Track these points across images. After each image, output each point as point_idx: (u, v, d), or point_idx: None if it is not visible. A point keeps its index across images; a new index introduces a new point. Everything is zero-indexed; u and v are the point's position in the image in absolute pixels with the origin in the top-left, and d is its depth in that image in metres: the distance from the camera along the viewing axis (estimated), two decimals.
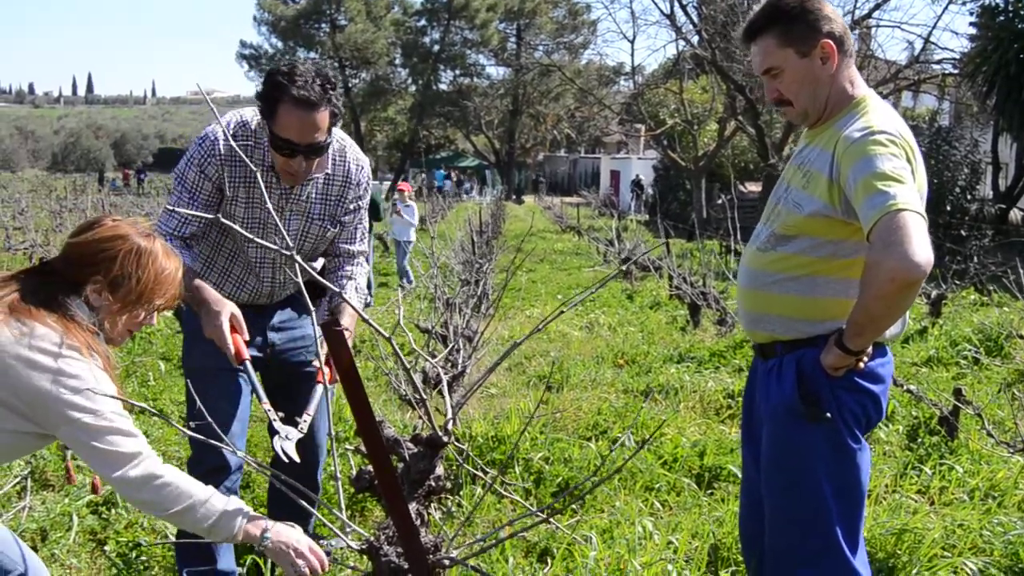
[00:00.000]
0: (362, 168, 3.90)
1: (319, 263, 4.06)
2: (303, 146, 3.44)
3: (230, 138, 3.35)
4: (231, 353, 3.30)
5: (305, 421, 3.21)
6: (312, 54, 67.72)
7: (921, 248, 2.46)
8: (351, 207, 3.92)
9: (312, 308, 2.60)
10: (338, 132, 3.78)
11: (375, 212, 13.18)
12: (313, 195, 3.78)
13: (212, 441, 2.47)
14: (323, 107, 3.41)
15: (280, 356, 3.96)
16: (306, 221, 3.80)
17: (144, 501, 2.57)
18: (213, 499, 2.58)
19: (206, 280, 3.66)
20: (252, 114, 3.65)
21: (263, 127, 3.56)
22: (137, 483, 2.52)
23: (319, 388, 3.38)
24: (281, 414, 3.14)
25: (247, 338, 3.40)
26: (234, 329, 3.36)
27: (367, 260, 4.16)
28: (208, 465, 3.66)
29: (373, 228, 13.77)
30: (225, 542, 2.68)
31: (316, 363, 3.50)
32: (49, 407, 2.47)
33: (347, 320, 3.67)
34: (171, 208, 3.57)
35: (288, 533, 2.62)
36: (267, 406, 3.18)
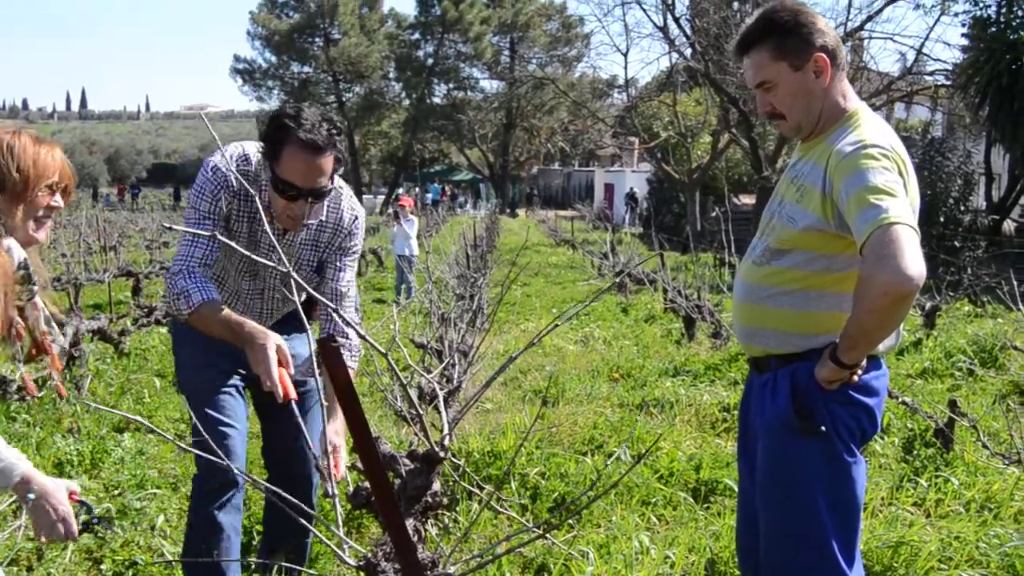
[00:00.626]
0: (356, 218, 3.88)
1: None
2: (306, 190, 3.42)
3: (235, 173, 3.39)
4: (279, 393, 3.12)
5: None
6: (306, 68, 67.88)
7: (914, 261, 2.46)
8: (340, 252, 3.89)
9: (308, 326, 2.59)
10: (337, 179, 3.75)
11: None
12: (305, 239, 3.78)
13: (214, 459, 2.46)
14: (328, 151, 3.39)
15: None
16: (295, 263, 3.79)
17: None
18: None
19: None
20: (255, 150, 3.62)
21: (263, 167, 3.54)
22: None
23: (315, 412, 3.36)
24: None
25: (292, 372, 3.27)
26: (280, 363, 3.22)
27: (356, 308, 4.12)
28: (216, 481, 3.66)
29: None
30: (3, 489, 2.68)
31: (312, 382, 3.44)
32: None
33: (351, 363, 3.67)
34: (192, 236, 3.52)
35: (54, 496, 2.64)
36: (317, 451, 3.17)
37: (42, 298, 2.93)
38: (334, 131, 3.41)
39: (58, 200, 2.85)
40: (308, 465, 4.08)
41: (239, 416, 3.77)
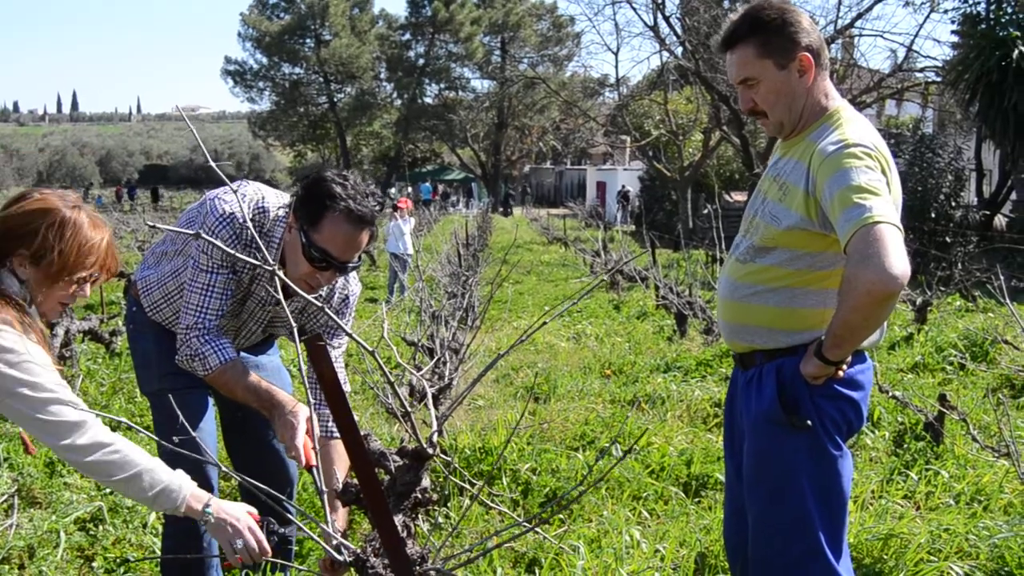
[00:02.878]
0: (346, 298, 3.73)
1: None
2: (339, 261, 3.28)
3: (249, 223, 3.34)
4: (301, 460, 3.14)
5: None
6: (297, 69, 67.85)
7: (898, 260, 2.48)
8: (325, 330, 3.71)
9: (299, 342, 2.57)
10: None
11: None
12: (293, 306, 3.68)
13: (196, 455, 2.45)
14: (372, 226, 3.29)
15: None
16: (278, 319, 3.76)
17: (91, 467, 2.57)
18: (159, 469, 2.58)
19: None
20: (273, 201, 3.47)
21: (277, 223, 3.42)
22: (85, 450, 2.52)
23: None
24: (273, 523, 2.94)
25: (314, 444, 3.07)
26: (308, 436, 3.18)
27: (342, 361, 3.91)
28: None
29: None
30: (169, 512, 2.67)
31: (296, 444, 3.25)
32: None
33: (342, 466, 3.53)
34: (207, 286, 3.38)
35: (232, 510, 2.63)
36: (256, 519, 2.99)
37: None
38: (376, 206, 3.28)
39: (86, 292, 2.81)
40: (286, 470, 4.01)
41: (210, 422, 3.72)
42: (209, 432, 3.68)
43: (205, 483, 3.63)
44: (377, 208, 3.28)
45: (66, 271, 2.69)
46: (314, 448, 2.98)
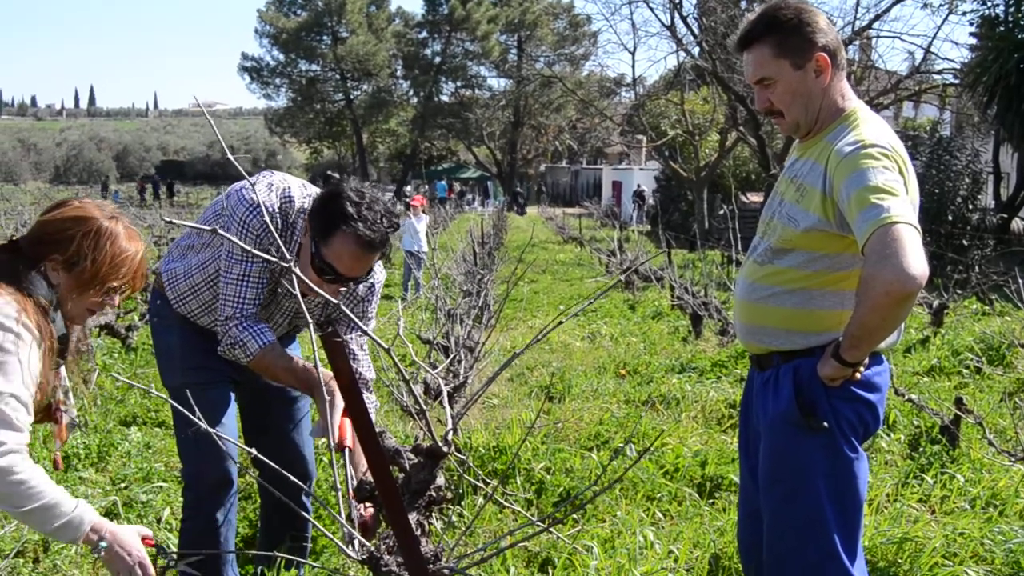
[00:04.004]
0: (372, 285, 3.76)
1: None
2: (346, 278, 3.33)
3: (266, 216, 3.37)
4: (334, 439, 3.11)
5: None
6: (314, 66, 67.95)
7: (916, 260, 2.47)
8: (362, 300, 3.79)
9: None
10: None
11: None
12: (318, 298, 3.67)
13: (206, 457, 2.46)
14: (382, 248, 3.30)
15: (260, 379, 3.77)
16: (300, 316, 3.76)
17: None
18: (63, 503, 2.55)
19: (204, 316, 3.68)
20: (300, 192, 3.50)
21: (301, 213, 3.44)
22: None
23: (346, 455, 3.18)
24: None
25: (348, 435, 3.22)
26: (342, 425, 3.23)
27: (369, 368, 3.94)
28: (212, 478, 3.63)
29: None
30: (69, 543, 2.67)
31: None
32: None
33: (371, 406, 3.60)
34: (243, 276, 3.44)
35: (125, 541, 2.63)
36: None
37: (68, 368, 2.90)
38: (390, 228, 3.27)
39: (114, 301, 2.82)
40: (305, 465, 4.05)
41: (231, 417, 3.75)
42: (230, 427, 3.69)
43: (224, 477, 3.65)
44: (391, 230, 3.27)
45: (98, 279, 2.71)
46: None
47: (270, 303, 3.68)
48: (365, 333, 2.25)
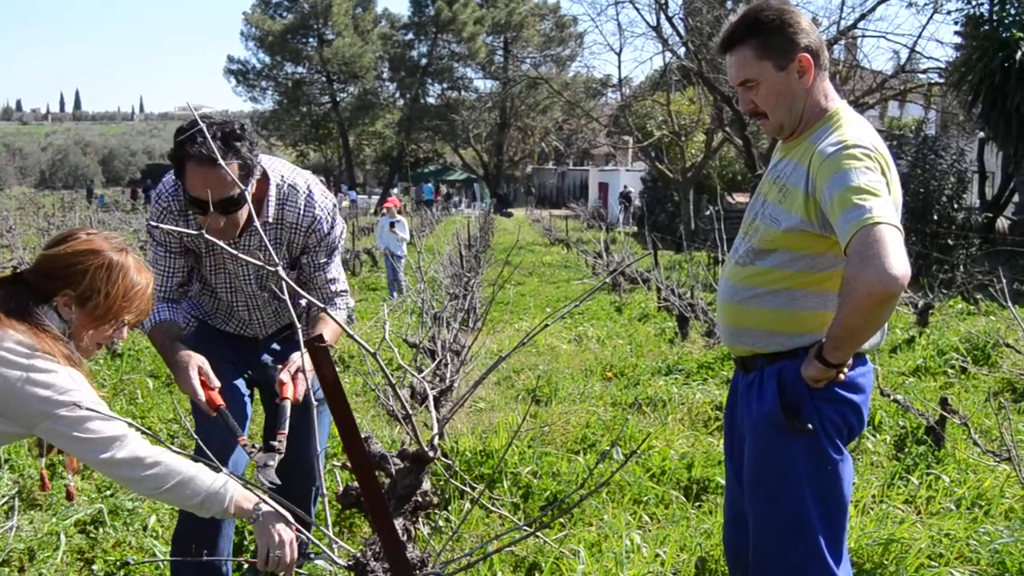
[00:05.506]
0: (315, 218, 3.82)
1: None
2: (216, 203, 3.37)
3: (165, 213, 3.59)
4: (204, 404, 3.34)
5: (281, 441, 3.27)
6: (300, 68, 67.89)
7: (898, 261, 2.47)
8: (312, 249, 3.88)
9: (298, 326, 2.61)
10: (288, 175, 3.78)
11: None
12: (262, 241, 3.71)
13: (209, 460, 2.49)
14: (227, 161, 3.35)
15: (273, 377, 3.86)
16: (258, 268, 3.81)
17: (132, 481, 2.59)
18: (202, 475, 2.60)
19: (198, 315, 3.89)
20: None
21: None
22: (124, 463, 2.54)
23: (287, 404, 3.42)
24: (257, 445, 3.24)
25: (218, 385, 3.42)
26: (204, 384, 3.39)
27: (347, 302, 4.07)
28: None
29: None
30: (218, 516, 2.69)
31: (281, 378, 3.51)
32: (25, 405, 2.49)
33: (329, 334, 3.60)
34: (151, 264, 3.60)
35: (278, 518, 2.64)
36: (243, 441, 3.27)
37: None
38: (232, 139, 3.39)
39: (123, 334, 2.85)
40: (310, 480, 4.08)
41: (238, 403, 3.80)
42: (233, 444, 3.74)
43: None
44: (233, 140, 3.40)
45: (111, 314, 2.73)
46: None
47: (232, 283, 3.91)
48: (351, 336, 2.23)
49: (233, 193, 3.41)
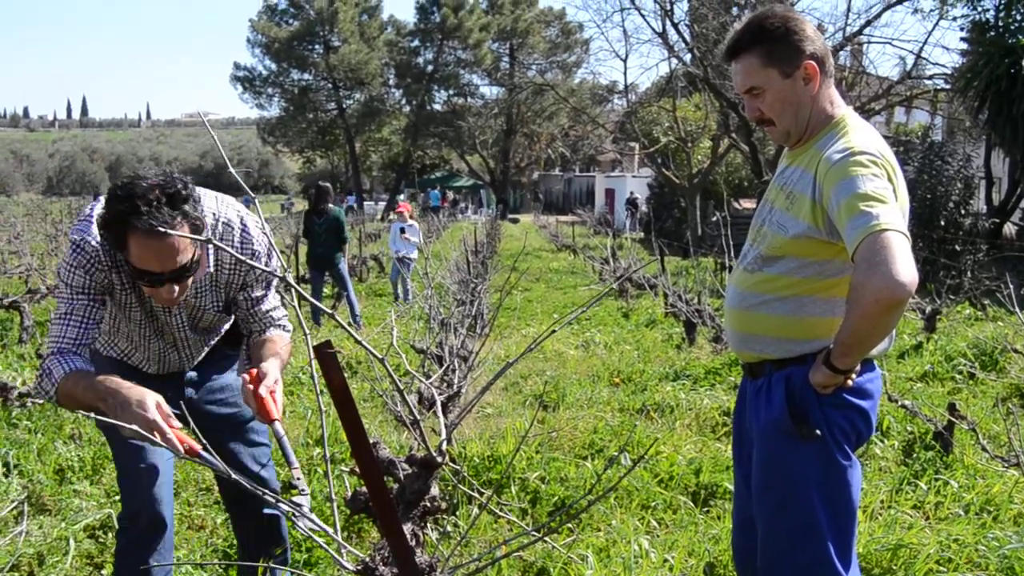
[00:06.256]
0: (254, 254, 3.47)
1: (223, 329, 3.84)
2: (167, 274, 3.07)
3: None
4: (179, 451, 2.73)
5: (299, 479, 2.88)
6: (306, 75, 67.99)
7: (905, 268, 2.47)
8: (249, 285, 3.56)
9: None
10: (220, 211, 3.42)
11: (340, 232, 13.05)
12: (202, 286, 3.48)
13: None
14: (178, 228, 3.00)
15: (200, 409, 3.68)
16: (198, 311, 3.54)
17: None
18: None
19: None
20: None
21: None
22: None
23: (279, 428, 3.05)
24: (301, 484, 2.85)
25: (179, 426, 2.90)
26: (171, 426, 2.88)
27: (286, 327, 3.67)
28: (145, 520, 3.50)
29: (348, 250, 13.78)
30: None
31: (260, 394, 3.10)
32: None
33: (284, 353, 3.45)
34: (64, 316, 3.21)
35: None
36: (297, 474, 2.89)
37: None
38: (179, 201, 3.03)
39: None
40: (264, 484, 3.85)
41: (167, 457, 3.58)
42: (165, 468, 3.57)
43: (157, 520, 3.51)
44: (180, 202, 3.04)
45: None
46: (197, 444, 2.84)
47: (161, 328, 3.56)
48: (359, 342, 2.22)
49: (187, 261, 3.10)
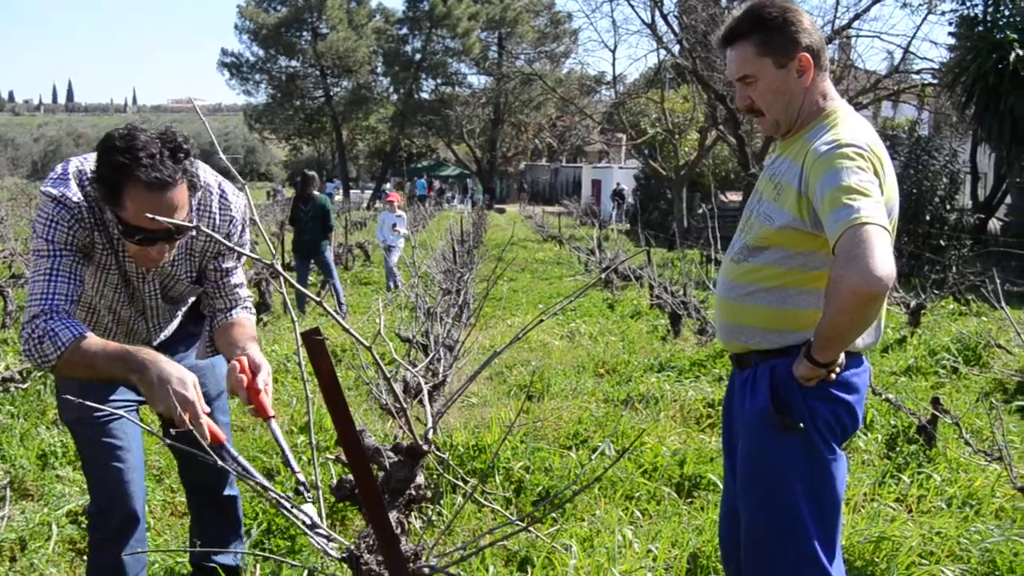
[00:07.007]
0: (231, 220, 3.38)
1: (190, 300, 3.70)
2: (161, 232, 2.97)
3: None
4: (207, 436, 2.68)
5: (303, 484, 2.69)
6: (294, 62, 67.83)
7: (883, 262, 2.48)
8: (221, 254, 3.44)
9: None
10: (200, 174, 3.20)
11: (326, 220, 13.04)
12: (179, 254, 3.34)
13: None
14: (180, 182, 2.93)
15: None
16: (171, 280, 3.41)
17: None
18: None
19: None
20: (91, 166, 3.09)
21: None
22: None
23: (275, 427, 2.85)
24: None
25: (208, 408, 2.82)
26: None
27: (251, 309, 3.55)
28: (118, 517, 3.42)
29: (334, 238, 13.74)
30: None
31: (257, 387, 2.96)
32: None
33: (251, 337, 3.33)
34: (49, 272, 3.02)
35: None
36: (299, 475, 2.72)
37: None
38: (181, 154, 2.93)
39: None
40: (230, 485, 3.92)
41: (134, 439, 3.48)
42: (135, 462, 3.47)
43: (130, 516, 3.45)
44: (182, 156, 2.94)
45: None
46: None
47: (134, 294, 3.40)
48: (347, 331, 2.21)
49: (183, 219, 2.98)
